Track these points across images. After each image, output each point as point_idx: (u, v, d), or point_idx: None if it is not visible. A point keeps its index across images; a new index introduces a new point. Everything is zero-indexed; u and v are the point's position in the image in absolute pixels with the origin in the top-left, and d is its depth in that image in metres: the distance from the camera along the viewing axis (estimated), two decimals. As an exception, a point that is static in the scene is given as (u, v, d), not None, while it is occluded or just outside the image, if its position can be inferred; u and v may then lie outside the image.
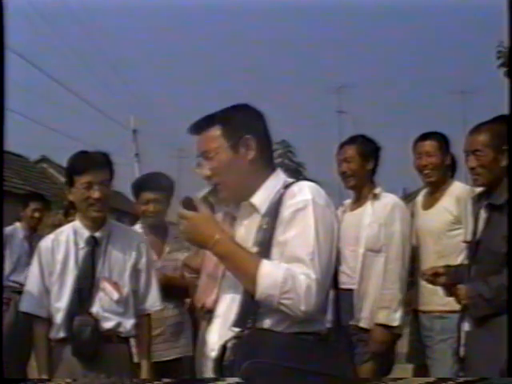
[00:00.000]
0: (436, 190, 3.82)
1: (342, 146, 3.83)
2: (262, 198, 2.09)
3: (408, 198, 14.46)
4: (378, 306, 3.58)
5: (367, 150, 3.79)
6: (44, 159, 20.85)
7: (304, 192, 2.01)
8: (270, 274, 1.93)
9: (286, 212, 2.00)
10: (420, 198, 3.97)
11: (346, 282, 3.18)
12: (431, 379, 2.80)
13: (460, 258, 3.38)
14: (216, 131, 2.10)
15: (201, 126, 2.14)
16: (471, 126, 3.09)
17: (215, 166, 2.10)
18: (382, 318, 3.56)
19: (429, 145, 3.80)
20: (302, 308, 1.91)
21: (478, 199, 3.10)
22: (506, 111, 3.27)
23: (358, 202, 3.78)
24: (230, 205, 2.30)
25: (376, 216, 3.64)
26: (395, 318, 3.57)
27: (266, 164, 2.14)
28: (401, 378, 2.34)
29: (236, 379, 1.91)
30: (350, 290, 3.52)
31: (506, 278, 2.78)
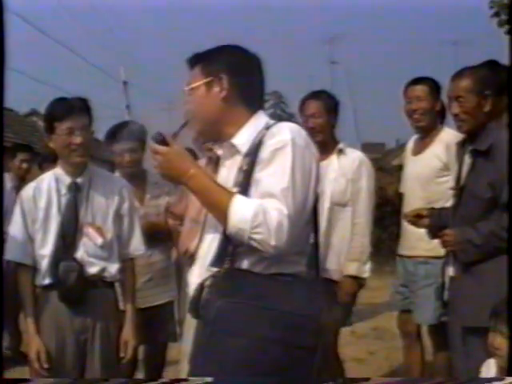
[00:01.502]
0: (426, 135, 3.81)
1: (306, 101, 3.82)
2: (243, 138, 2.10)
3: (401, 148, 14.49)
4: (348, 258, 3.66)
5: (332, 104, 3.82)
6: (34, 112, 20.62)
7: (284, 132, 2.01)
8: (241, 208, 1.92)
9: (265, 152, 2.00)
10: (410, 145, 3.97)
11: None
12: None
13: (448, 205, 3.39)
14: (198, 68, 2.15)
15: (189, 63, 2.20)
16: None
17: (192, 101, 2.15)
18: (352, 270, 3.64)
19: (419, 89, 3.77)
20: (272, 243, 1.90)
21: (462, 145, 3.10)
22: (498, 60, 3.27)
23: (321, 155, 3.75)
24: (213, 148, 2.32)
25: (343, 171, 3.69)
26: (365, 270, 3.69)
27: (247, 105, 2.14)
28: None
29: None
30: None
31: (495, 224, 2.81)
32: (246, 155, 2.06)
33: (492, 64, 3.28)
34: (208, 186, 2.01)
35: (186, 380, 2.12)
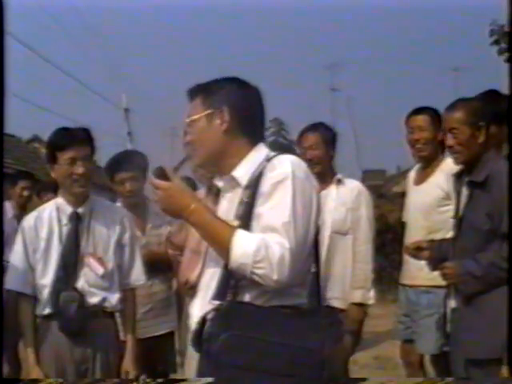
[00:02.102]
0: (428, 165, 3.81)
1: (304, 133, 3.89)
2: (243, 171, 2.09)
3: (402, 174, 14.52)
4: (353, 286, 3.71)
5: (330, 136, 3.89)
6: (36, 139, 20.68)
7: (284, 165, 2.01)
8: (243, 243, 1.92)
9: (265, 184, 2.00)
10: (412, 174, 3.98)
11: None
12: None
13: (449, 234, 3.38)
14: (198, 100, 2.15)
15: (190, 95, 2.20)
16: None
17: (193, 133, 2.15)
18: (358, 297, 3.71)
19: (421, 119, 3.79)
20: (275, 277, 1.89)
21: (459, 176, 3.09)
22: (497, 88, 3.28)
23: (320, 186, 3.78)
24: (213, 179, 2.31)
25: (342, 200, 3.76)
26: (370, 297, 3.76)
27: (248, 137, 2.14)
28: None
29: None
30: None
31: (494, 255, 2.79)
32: (247, 187, 2.06)
33: (490, 93, 3.29)
34: (209, 220, 2.00)
35: (184, 380, 2.11)
